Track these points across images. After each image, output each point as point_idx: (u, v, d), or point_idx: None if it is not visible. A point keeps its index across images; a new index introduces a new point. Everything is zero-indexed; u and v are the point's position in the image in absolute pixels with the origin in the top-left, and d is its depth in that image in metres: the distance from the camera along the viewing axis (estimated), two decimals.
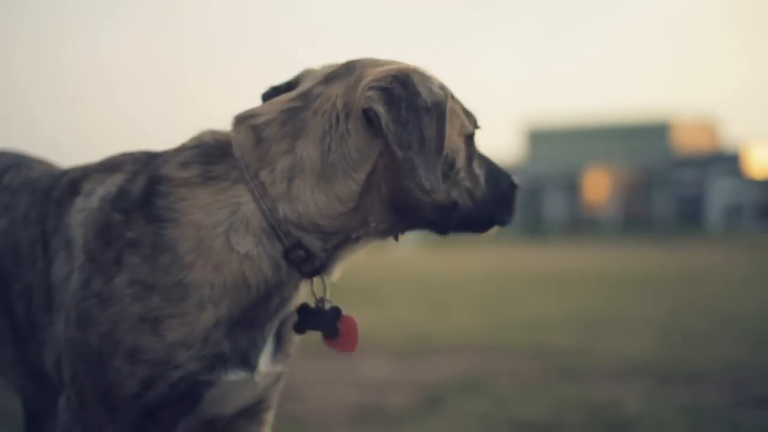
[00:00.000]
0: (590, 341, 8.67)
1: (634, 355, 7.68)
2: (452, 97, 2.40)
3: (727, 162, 53.04)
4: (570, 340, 8.72)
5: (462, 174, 2.40)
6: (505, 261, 24.66)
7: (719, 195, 49.98)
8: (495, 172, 2.51)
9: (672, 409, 5.51)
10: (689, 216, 49.84)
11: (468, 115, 2.46)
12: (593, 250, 30.88)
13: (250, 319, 2.34)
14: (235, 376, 2.35)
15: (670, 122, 58.38)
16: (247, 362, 2.36)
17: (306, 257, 2.32)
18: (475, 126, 2.47)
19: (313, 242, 2.32)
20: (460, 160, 2.39)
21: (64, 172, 2.61)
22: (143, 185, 2.37)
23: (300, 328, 2.44)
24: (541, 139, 60.37)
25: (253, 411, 2.55)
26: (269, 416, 2.61)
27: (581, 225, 48.47)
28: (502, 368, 7.18)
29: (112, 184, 2.43)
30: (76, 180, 2.52)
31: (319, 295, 2.43)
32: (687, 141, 58.18)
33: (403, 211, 2.35)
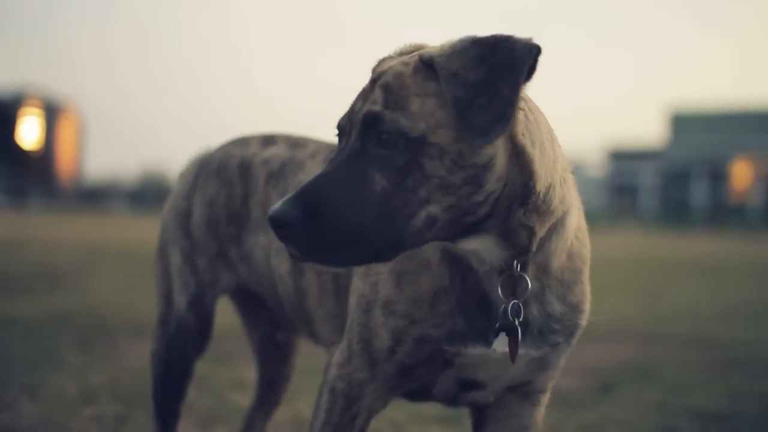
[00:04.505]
0: (754, 333, 8.62)
1: None
2: None
3: None
4: (733, 332, 8.68)
5: None
6: (650, 247, 24.43)
7: None
8: None
9: None
10: None
11: None
12: (740, 240, 30.37)
13: (475, 300, 2.46)
14: (474, 350, 2.48)
15: None
16: (486, 340, 2.48)
17: None
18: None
19: None
20: None
21: None
22: None
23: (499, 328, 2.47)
24: (685, 125, 59.20)
25: (524, 391, 2.71)
26: (543, 399, 2.76)
27: (726, 213, 47.65)
28: (670, 357, 7.20)
29: None
30: None
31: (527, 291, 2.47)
32: None
33: None
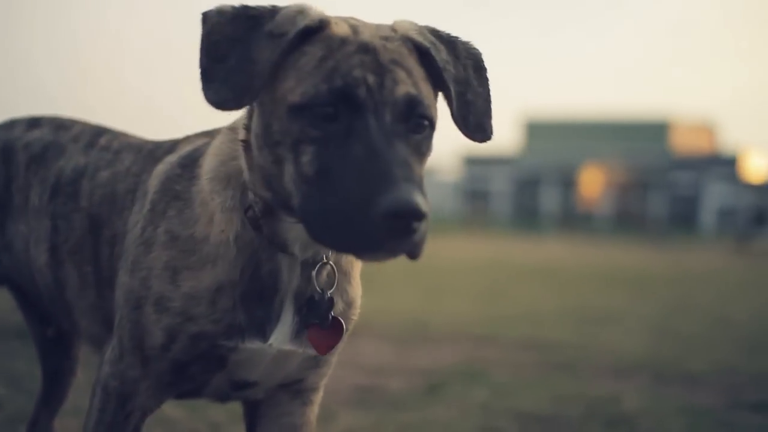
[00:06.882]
0: (586, 337, 8.75)
1: (631, 354, 7.76)
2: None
3: (724, 165, 53.17)
4: (566, 335, 8.80)
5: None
6: (498, 252, 24.72)
7: (714, 198, 50.17)
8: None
9: (670, 409, 5.58)
10: (683, 217, 50.02)
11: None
12: (587, 246, 30.96)
13: (257, 291, 2.39)
14: (251, 345, 2.41)
15: (669, 123, 58.37)
16: (263, 334, 2.42)
17: (257, 218, 2.35)
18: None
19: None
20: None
21: (174, 138, 2.78)
22: (207, 147, 2.51)
23: (304, 320, 2.45)
24: (538, 133, 60.25)
25: (295, 389, 2.64)
26: (315, 397, 2.71)
27: (575, 220, 48.58)
28: (501, 359, 7.25)
29: (196, 145, 2.58)
30: (178, 142, 2.70)
31: (327, 286, 2.45)
32: (685, 142, 58.24)
33: None
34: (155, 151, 2.75)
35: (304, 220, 2.12)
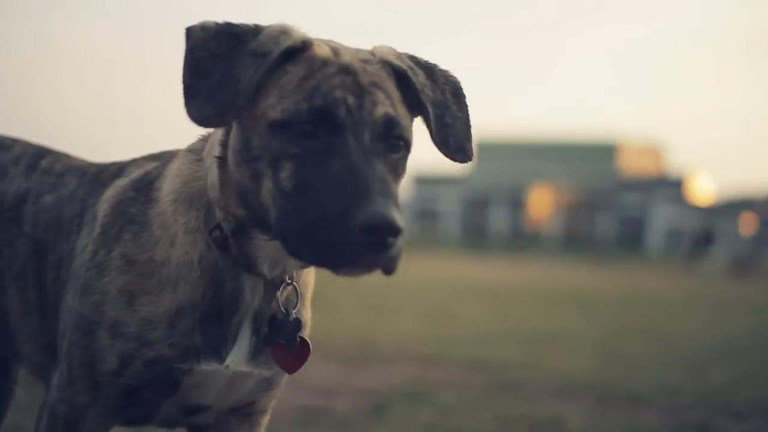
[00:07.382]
0: (532, 357, 8.77)
1: (575, 374, 7.80)
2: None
3: (670, 187, 53.68)
4: (512, 356, 8.82)
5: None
6: (446, 272, 24.77)
7: (661, 219, 50.61)
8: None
9: (614, 430, 5.62)
10: (630, 238, 50.40)
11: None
12: (534, 267, 31.10)
13: (215, 312, 2.39)
14: (207, 367, 2.40)
15: (617, 145, 58.85)
16: (219, 355, 2.41)
17: (224, 238, 2.36)
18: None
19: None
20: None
21: (118, 162, 2.75)
22: (161, 170, 2.50)
23: (267, 340, 2.46)
24: (487, 153, 60.43)
25: (245, 412, 2.63)
26: (263, 420, 2.69)
27: (523, 240, 48.78)
28: (447, 380, 7.25)
29: (146, 168, 2.56)
30: (124, 165, 2.68)
31: (291, 306, 2.46)
32: (632, 164, 58.73)
33: None
34: (100, 174, 2.72)
35: (280, 234, 2.15)
